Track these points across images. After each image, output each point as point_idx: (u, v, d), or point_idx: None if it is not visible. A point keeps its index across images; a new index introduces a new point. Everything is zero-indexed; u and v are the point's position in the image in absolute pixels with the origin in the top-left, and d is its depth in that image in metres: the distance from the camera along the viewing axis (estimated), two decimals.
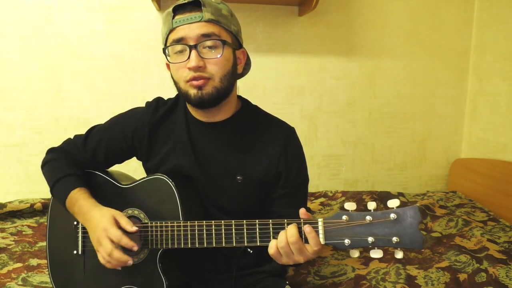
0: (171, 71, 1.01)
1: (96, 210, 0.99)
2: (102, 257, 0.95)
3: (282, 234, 0.86)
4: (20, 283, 1.31)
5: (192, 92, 0.96)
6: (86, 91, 1.98)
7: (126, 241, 0.92)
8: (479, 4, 2.18)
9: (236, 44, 1.03)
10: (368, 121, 2.23)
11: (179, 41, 0.95)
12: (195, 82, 0.95)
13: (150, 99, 1.14)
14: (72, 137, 1.18)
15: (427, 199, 2.03)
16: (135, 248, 0.93)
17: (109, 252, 0.92)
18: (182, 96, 1.01)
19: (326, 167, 2.24)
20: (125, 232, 0.94)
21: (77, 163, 1.12)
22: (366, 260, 1.49)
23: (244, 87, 2.08)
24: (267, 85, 2.10)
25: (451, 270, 1.36)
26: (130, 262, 0.94)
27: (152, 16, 1.97)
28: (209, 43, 0.94)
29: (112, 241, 0.93)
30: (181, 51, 0.96)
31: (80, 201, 1.02)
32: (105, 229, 0.93)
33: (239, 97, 1.12)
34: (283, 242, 0.85)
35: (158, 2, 1.89)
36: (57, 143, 1.18)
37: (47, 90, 1.95)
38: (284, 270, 1.21)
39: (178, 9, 0.96)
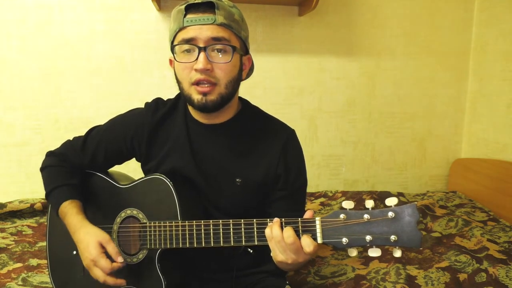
0: (175, 70, 0.99)
1: (82, 232, 0.98)
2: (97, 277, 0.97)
3: (277, 230, 0.85)
4: (20, 283, 1.31)
5: (196, 97, 0.95)
6: (86, 91, 1.98)
7: (112, 280, 0.94)
8: (479, 4, 2.18)
9: (244, 50, 1.02)
10: (368, 121, 2.23)
11: (188, 41, 0.93)
12: (200, 88, 0.94)
13: (150, 99, 1.13)
14: (71, 138, 1.17)
15: (427, 199, 2.03)
16: (122, 282, 0.96)
17: (103, 280, 0.94)
18: (184, 97, 1.00)
19: (326, 167, 2.24)
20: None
21: (75, 167, 1.12)
22: (366, 260, 1.48)
23: (244, 87, 2.06)
24: (267, 85, 2.10)
25: (451, 270, 1.36)
26: (124, 283, 0.97)
27: (152, 16, 1.97)
28: (219, 47, 0.93)
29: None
30: (189, 51, 0.94)
31: (67, 218, 1.02)
32: (93, 260, 0.94)
33: (239, 98, 1.11)
34: (279, 237, 0.84)
35: (158, 2, 1.89)
36: (57, 143, 1.18)
37: (47, 90, 1.95)
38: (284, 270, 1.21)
39: (190, 8, 0.94)
